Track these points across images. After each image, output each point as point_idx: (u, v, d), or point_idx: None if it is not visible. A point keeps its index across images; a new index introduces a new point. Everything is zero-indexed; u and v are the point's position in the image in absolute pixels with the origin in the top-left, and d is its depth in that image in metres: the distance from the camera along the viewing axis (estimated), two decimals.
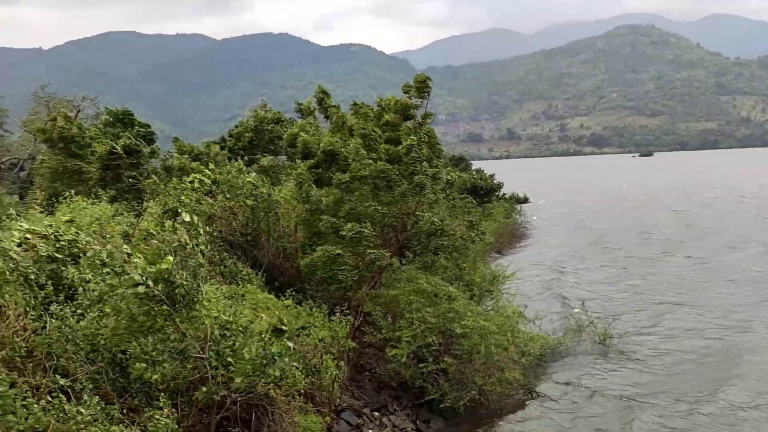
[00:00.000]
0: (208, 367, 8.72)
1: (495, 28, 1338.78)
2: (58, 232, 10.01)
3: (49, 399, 7.33)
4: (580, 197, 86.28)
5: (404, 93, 18.22)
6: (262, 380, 8.85)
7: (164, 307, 8.40)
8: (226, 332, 9.25)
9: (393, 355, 15.14)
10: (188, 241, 8.97)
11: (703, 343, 20.83)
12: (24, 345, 7.97)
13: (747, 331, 21.67)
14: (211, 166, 18.17)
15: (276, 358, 8.72)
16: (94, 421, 7.40)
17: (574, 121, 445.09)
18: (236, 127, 32.53)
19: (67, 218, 11.78)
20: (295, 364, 9.35)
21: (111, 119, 22.35)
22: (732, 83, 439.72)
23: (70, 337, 8.37)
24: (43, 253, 9.48)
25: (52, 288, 9.16)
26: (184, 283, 8.41)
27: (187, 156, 22.28)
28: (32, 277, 8.93)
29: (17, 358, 7.79)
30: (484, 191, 52.91)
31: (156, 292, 8.18)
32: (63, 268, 9.56)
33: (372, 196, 16.58)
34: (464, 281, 19.97)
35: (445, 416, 15.23)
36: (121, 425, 7.68)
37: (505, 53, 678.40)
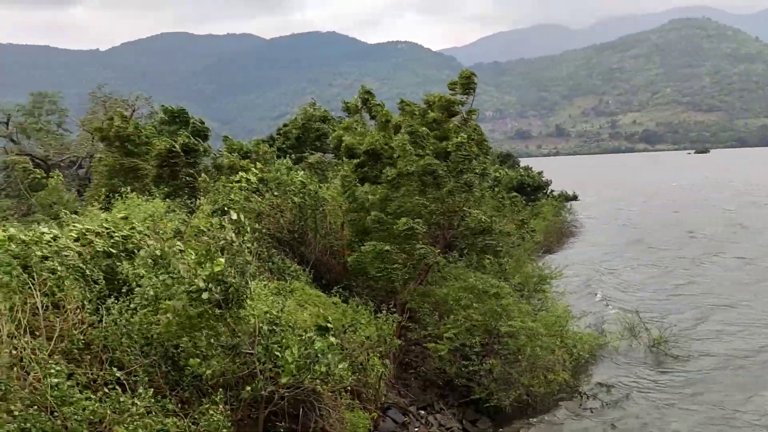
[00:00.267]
0: (257, 363, 8.83)
1: (543, 23, 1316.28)
2: (112, 228, 10.25)
3: (106, 391, 7.47)
4: (630, 195, 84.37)
5: (449, 90, 18.16)
6: (309, 377, 8.92)
7: (216, 309, 8.53)
8: (274, 327, 9.35)
9: (434, 351, 15.07)
10: (234, 239, 9.10)
11: (751, 346, 20.30)
12: (82, 338, 8.16)
13: None
14: (259, 165, 18.44)
15: (320, 355, 8.79)
16: (148, 413, 7.52)
17: (626, 117, 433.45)
18: (285, 125, 32.93)
19: (122, 215, 12.06)
20: (339, 359, 9.37)
21: (166, 117, 22.89)
22: None
23: (125, 330, 8.52)
24: (99, 249, 9.71)
25: (105, 283, 9.31)
26: (234, 281, 8.52)
27: (236, 154, 22.63)
28: (87, 272, 9.16)
29: (75, 351, 8.01)
30: (531, 189, 52.08)
31: (216, 296, 8.32)
32: (118, 263, 9.79)
33: (419, 192, 16.52)
34: (510, 281, 19.76)
35: (492, 416, 15.09)
36: (174, 418, 7.79)
37: (554, 49, 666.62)
